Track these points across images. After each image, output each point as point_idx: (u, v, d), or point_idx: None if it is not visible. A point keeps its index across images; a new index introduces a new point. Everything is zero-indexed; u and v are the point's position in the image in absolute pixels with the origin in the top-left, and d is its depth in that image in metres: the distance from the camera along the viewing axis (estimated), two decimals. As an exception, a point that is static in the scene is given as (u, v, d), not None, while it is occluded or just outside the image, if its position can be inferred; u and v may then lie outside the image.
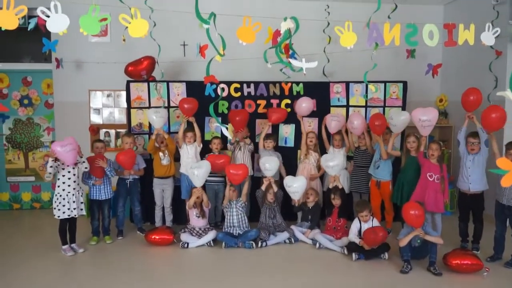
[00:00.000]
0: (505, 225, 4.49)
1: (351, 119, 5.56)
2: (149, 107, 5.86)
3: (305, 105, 5.69)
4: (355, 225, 4.78)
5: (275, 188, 5.28)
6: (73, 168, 4.72)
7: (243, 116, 5.62)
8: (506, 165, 1.77)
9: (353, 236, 4.72)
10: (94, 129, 6.52)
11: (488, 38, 4.12)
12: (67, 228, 4.78)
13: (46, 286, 3.97)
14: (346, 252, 4.70)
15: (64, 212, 4.65)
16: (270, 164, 5.21)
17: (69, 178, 4.68)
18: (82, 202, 4.80)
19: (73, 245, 4.83)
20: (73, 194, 4.69)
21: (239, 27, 3.50)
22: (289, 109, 5.93)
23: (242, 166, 5.15)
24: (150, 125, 5.83)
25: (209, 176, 5.19)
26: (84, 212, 4.86)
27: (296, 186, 5.20)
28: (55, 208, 4.66)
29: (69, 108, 6.50)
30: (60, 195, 4.66)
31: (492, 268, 4.24)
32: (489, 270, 4.15)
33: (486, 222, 4.82)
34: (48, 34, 5.61)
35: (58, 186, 4.68)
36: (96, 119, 6.62)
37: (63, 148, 4.50)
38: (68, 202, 4.66)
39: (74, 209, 4.69)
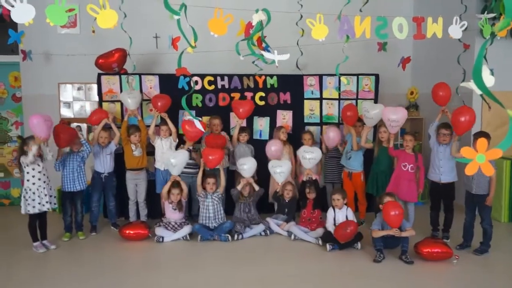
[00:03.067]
0: (474, 213, 4.61)
1: (328, 131, 5.61)
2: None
3: (274, 148, 5.46)
4: (330, 214, 4.84)
5: (256, 187, 5.28)
6: (41, 161, 4.61)
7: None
8: (470, 154, 1.82)
9: (329, 225, 4.79)
10: (65, 123, 6.35)
11: (456, 31, 4.20)
12: (37, 225, 4.68)
13: (19, 284, 3.88)
14: (320, 243, 4.76)
15: (34, 207, 4.52)
16: (248, 165, 5.19)
17: (39, 172, 4.56)
18: (52, 196, 4.69)
19: (44, 241, 4.73)
20: (44, 188, 4.57)
21: (211, 19, 3.47)
22: (263, 102, 5.94)
23: (218, 150, 5.13)
24: (122, 118, 5.75)
25: (183, 168, 5.17)
26: (55, 206, 4.76)
27: (282, 168, 5.22)
28: (24, 203, 4.51)
29: (38, 101, 6.34)
30: (30, 189, 4.52)
31: (462, 255, 4.37)
32: (459, 257, 4.27)
33: (456, 211, 4.95)
34: (14, 25, 5.48)
35: (28, 180, 4.54)
36: (66, 112, 6.49)
37: (46, 123, 4.50)
38: (38, 196, 4.54)
39: (47, 202, 4.58)
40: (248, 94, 5.96)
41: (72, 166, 4.99)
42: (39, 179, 4.56)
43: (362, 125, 5.49)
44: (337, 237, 4.56)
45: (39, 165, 4.58)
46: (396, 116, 5.00)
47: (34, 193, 4.53)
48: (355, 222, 4.73)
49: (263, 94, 5.96)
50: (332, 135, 5.54)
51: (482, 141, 1.87)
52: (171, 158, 4.97)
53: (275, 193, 5.41)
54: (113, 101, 5.77)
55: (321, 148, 5.64)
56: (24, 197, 4.53)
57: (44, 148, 4.64)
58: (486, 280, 3.92)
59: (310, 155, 5.22)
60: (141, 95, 5.59)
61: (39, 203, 4.55)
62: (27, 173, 4.54)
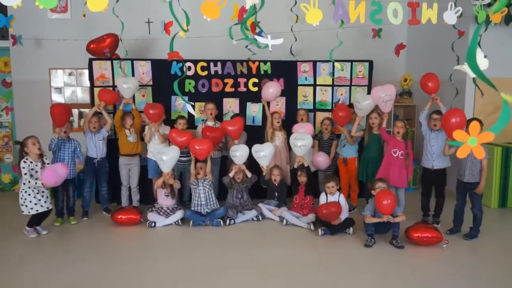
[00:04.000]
0: (465, 199, 4.65)
1: (315, 157, 5.58)
2: (113, 85, 5.72)
3: (272, 90, 5.61)
4: (322, 200, 4.86)
5: (248, 174, 5.28)
6: (39, 163, 4.56)
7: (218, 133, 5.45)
8: (462, 137, 1.82)
9: None
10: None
11: (450, 17, 4.18)
12: None
13: (10, 268, 3.87)
14: (312, 228, 4.79)
15: (32, 208, 4.48)
16: (240, 152, 5.18)
17: (36, 171, 4.50)
18: (48, 197, 4.65)
19: (36, 227, 4.69)
20: (41, 190, 4.53)
21: (203, 2, 3.42)
22: (256, 88, 5.92)
23: (206, 141, 5.11)
24: (114, 104, 5.71)
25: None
26: (50, 207, 4.71)
27: (264, 152, 5.21)
28: (22, 205, 4.48)
29: (28, 87, 6.28)
30: (26, 191, 4.48)
31: (452, 240, 4.42)
32: (449, 242, 4.32)
33: (447, 197, 5.00)
34: (4, 10, 5.39)
35: (24, 184, 4.45)
36: (57, 98, 6.42)
37: (58, 179, 4.44)
38: (34, 197, 4.48)
39: (45, 202, 4.56)
40: (241, 80, 5.93)
41: (63, 154, 4.98)
42: (36, 178, 4.48)
43: (353, 113, 5.49)
44: (319, 215, 4.63)
45: (37, 172, 4.52)
46: (386, 92, 5.03)
47: (29, 194, 4.48)
48: (337, 203, 4.71)
49: (257, 80, 5.93)
50: (321, 160, 5.54)
51: (474, 124, 1.87)
52: (162, 156, 4.92)
53: (262, 177, 5.41)
54: (104, 87, 5.70)
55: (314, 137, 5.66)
56: (21, 198, 4.49)
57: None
58: (475, 264, 3.97)
59: (301, 142, 5.21)
60: (137, 83, 5.49)
61: (36, 204, 4.49)
62: (25, 174, 4.45)
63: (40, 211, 4.53)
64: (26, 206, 4.48)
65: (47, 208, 4.61)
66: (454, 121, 4.35)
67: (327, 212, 4.59)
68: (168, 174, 5.00)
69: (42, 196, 4.56)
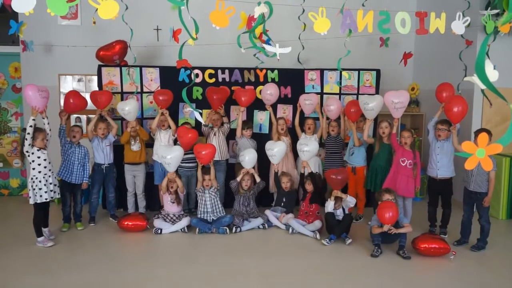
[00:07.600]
0: (472, 210, 4.61)
1: (328, 102, 5.64)
2: (122, 92, 5.76)
3: (269, 92, 5.66)
4: (329, 206, 4.85)
5: (257, 179, 5.30)
6: (45, 150, 4.56)
7: (223, 94, 5.58)
8: (470, 148, 1.82)
9: (329, 206, 4.82)
10: (65, 115, 6.34)
11: (458, 27, 4.19)
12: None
13: (16, 274, 3.88)
14: (318, 236, 4.77)
15: (41, 196, 4.45)
16: (249, 156, 5.21)
17: (44, 160, 4.51)
18: (56, 185, 4.66)
19: (45, 229, 4.66)
20: (49, 176, 4.53)
21: (212, 11, 3.45)
22: (263, 96, 5.93)
23: (209, 146, 5.13)
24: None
25: (181, 162, 5.17)
26: (58, 195, 4.71)
27: (276, 150, 5.27)
28: (32, 193, 4.43)
29: (38, 92, 6.32)
30: (37, 178, 4.46)
31: (459, 251, 4.37)
32: (456, 253, 4.28)
33: (454, 207, 4.96)
34: (16, 16, 5.46)
35: (33, 169, 4.47)
36: (67, 104, 6.45)
37: (39, 93, 4.48)
38: (45, 184, 4.47)
39: (51, 191, 4.54)
40: (249, 88, 5.95)
41: (73, 158, 5.00)
42: (45, 167, 4.51)
43: (363, 120, 5.48)
44: (329, 182, 4.82)
45: (43, 153, 4.53)
46: (399, 99, 5.02)
47: (40, 181, 4.47)
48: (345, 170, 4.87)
49: (264, 88, 5.94)
50: (332, 107, 5.57)
51: (483, 136, 1.87)
52: (166, 155, 4.93)
53: (275, 174, 5.42)
54: (113, 93, 5.72)
55: (321, 139, 5.65)
56: (32, 186, 4.47)
57: (40, 119, 4.61)
58: (482, 276, 3.92)
59: (306, 147, 5.22)
60: (138, 104, 5.47)
61: (46, 192, 4.48)
62: (32, 161, 4.48)
63: (48, 199, 4.50)
64: (35, 194, 4.44)
65: (54, 197, 4.60)
66: (456, 110, 4.55)
67: (335, 178, 4.79)
68: (172, 174, 5.01)
69: (50, 183, 4.54)
